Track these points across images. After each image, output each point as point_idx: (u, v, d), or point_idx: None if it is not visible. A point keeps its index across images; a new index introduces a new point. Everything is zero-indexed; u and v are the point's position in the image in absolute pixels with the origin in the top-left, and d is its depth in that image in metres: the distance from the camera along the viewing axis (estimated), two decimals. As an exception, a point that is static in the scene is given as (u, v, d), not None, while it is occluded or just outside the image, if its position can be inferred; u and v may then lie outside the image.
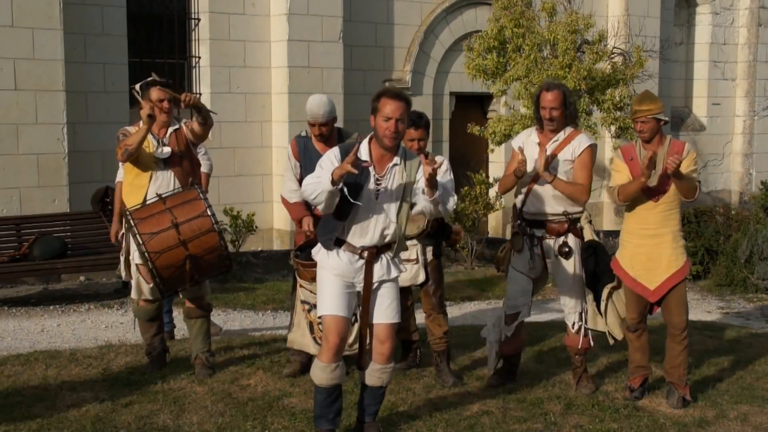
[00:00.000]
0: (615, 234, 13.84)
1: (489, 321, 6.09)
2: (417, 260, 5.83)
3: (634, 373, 5.74)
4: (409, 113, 5.69)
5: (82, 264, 8.96)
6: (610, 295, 5.69)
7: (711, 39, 17.31)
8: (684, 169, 5.35)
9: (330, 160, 4.50)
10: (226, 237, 6.58)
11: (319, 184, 4.38)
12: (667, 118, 5.51)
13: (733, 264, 11.39)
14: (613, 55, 12.19)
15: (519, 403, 5.53)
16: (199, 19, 12.04)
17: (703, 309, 9.89)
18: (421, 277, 5.87)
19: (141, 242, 5.45)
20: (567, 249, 5.61)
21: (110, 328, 7.72)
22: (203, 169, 7.04)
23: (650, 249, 5.49)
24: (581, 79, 11.05)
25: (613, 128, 12.08)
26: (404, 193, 4.57)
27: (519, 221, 5.75)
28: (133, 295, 5.97)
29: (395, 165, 4.57)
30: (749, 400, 5.74)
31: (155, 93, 5.82)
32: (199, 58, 12.06)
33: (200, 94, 11.85)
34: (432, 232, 5.83)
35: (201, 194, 5.65)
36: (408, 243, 5.72)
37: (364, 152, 4.57)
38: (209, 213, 5.56)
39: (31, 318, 8.07)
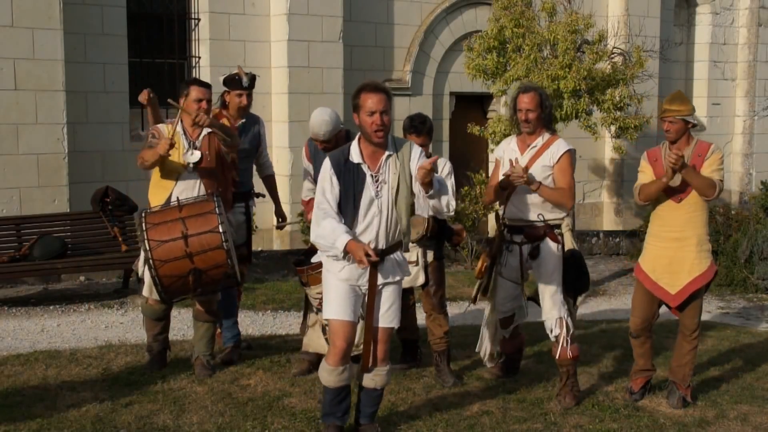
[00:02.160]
0: (615, 234, 13.86)
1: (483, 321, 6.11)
2: (417, 262, 5.84)
3: (636, 375, 5.73)
4: (415, 116, 5.76)
5: (82, 264, 8.95)
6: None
7: (711, 39, 17.30)
8: (706, 168, 5.28)
9: (325, 179, 4.56)
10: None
11: (332, 248, 4.47)
12: (695, 121, 5.39)
13: (733, 264, 11.39)
14: (613, 55, 12.17)
15: (519, 403, 5.53)
16: (199, 19, 12.04)
17: (703, 309, 9.87)
18: (421, 280, 5.88)
19: (148, 248, 5.43)
20: (536, 252, 5.55)
21: (110, 328, 7.72)
22: (269, 171, 6.77)
23: (673, 252, 5.41)
24: (581, 79, 11.04)
25: (613, 128, 12.06)
26: (401, 181, 4.56)
27: (502, 228, 5.73)
28: (145, 292, 5.94)
29: (389, 156, 4.57)
30: (749, 400, 5.74)
31: (195, 92, 5.76)
32: (199, 58, 12.05)
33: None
34: (432, 235, 5.84)
35: (217, 208, 5.52)
36: (409, 246, 5.72)
37: (354, 154, 4.56)
38: (220, 230, 5.45)
39: (31, 318, 8.07)
